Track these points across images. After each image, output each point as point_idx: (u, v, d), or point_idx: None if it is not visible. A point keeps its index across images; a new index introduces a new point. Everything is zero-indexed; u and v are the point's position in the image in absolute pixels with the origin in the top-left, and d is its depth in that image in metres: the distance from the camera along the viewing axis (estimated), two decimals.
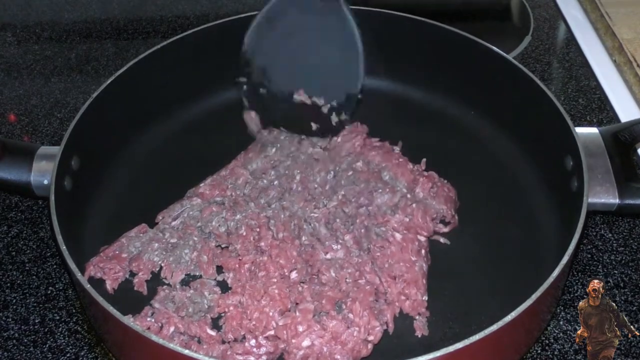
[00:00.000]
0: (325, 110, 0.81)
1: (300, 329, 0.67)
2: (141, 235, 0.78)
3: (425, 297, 0.72)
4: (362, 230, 0.77)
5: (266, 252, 0.75)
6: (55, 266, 0.82)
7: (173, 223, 0.79)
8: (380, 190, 0.80)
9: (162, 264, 0.76)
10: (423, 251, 0.76)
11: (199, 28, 0.95)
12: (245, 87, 0.82)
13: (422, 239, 0.77)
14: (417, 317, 0.71)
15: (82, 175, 0.80)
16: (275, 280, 0.72)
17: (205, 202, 0.81)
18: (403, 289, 0.72)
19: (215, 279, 0.75)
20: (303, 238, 0.76)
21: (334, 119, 0.83)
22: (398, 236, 0.76)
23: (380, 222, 0.77)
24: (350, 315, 0.68)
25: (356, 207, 0.79)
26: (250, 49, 0.79)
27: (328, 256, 0.74)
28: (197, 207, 0.80)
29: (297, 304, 0.71)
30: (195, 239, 0.77)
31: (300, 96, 0.80)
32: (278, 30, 0.76)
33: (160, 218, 0.80)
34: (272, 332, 0.69)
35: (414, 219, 0.78)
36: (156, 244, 0.77)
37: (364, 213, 0.78)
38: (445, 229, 0.80)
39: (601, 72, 1.09)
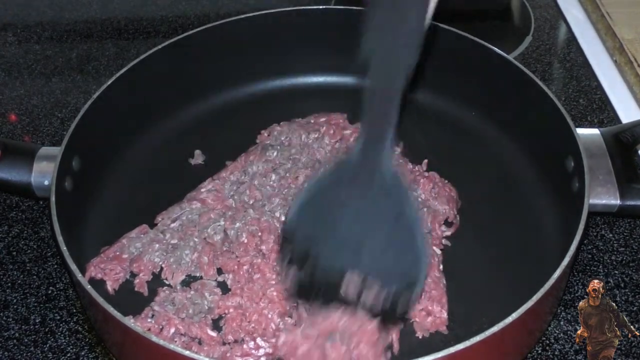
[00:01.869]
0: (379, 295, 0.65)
1: (300, 350, 0.66)
2: (142, 236, 0.78)
3: (446, 315, 0.71)
4: None
5: (266, 255, 0.75)
6: (55, 266, 0.82)
7: (172, 225, 0.79)
8: None
9: (163, 265, 0.76)
10: (441, 266, 0.75)
11: (200, 28, 0.94)
12: (286, 266, 0.66)
13: (438, 251, 0.76)
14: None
15: (82, 176, 0.80)
16: (274, 282, 0.72)
17: (204, 207, 0.80)
18: (426, 305, 0.71)
19: (215, 280, 0.75)
20: None
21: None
22: None
23: None
24: (355, 353, 0.66)
25: None
26: (292, 225, 0.64)
27: None
28: (197, 212, 0.80)
29: (295, 306, 0.70)
30: (196, 239, 0.77)
31: (350, 281, 0.63)
32: (324, 206, 0.63)
33: (160, 219, 0.80)
34: (272, 340, 0.68)
35: (424, 224, 0.77)
36: (157, 245, 0.77)
37: None
38: (449, 232, 0.80)
39: (602, 73, 1.09)
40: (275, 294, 0.71)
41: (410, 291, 0.63)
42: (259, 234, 0.77)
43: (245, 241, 0.76)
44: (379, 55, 0.53)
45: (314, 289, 0.62)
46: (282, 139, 0.89)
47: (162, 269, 0.76)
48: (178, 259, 0.76)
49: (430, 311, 0.71)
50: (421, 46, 0.53)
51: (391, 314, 0.63)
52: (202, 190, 0.83)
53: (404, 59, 0.53)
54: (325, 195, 0.62)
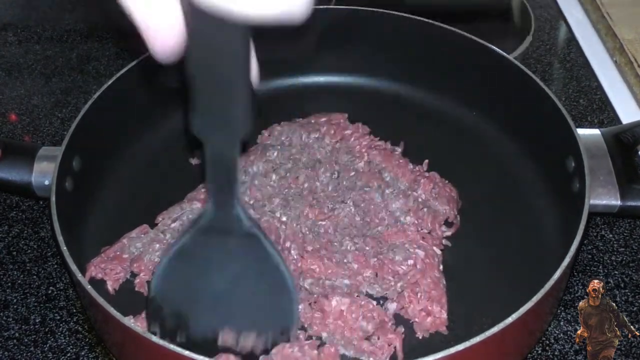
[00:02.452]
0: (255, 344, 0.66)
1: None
2: (142, 236, 0.78)
3: (446, 315, 0.71)
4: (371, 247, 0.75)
5: None
6: (55, 266, 0.82)
7: (173, 225, 0.79)
8: (392, 193, 0.80)
9: None
10: (441, 266, 0.75)
11: None
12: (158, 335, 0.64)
13: (439, 251, 0.76)
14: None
15: (83, 175, 0.80)
16: None
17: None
18: (426, 305, 0.71)
19: None
20: (309, 248, 0.75)
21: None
22: (420, 253, 0.75)
23: (395, 237, 0.76)
24: None
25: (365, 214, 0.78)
26: (158, 294, 0.63)
27: (337, 282, 0.73)
28: (197, 212, 0.80)
29: None
30: None
31: (225, 337, 0.63)
32: (189, 270, 0.62)
33: (160, 219, 0.80)
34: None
35: (424, 224, 0.77)
36: (157, 245, 0.77)
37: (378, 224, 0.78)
38: (449, 232, 0.80)
39: (602, 73, 1.09)
40: None
41: (287, 328, 0.64)
42: None
43: None
44: (209, 132, 0.53)
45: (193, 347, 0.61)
46: (283, 138, 0.88)
47: None
48: None
49: (430, 311, 0.71)
50: (252, 115, 0.53)
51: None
52: (203, 190, 0.83)
53: (235, 131, 0.53)
54: (187, 260, 0.62)
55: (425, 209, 0.79)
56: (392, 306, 0.72)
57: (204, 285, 0.62)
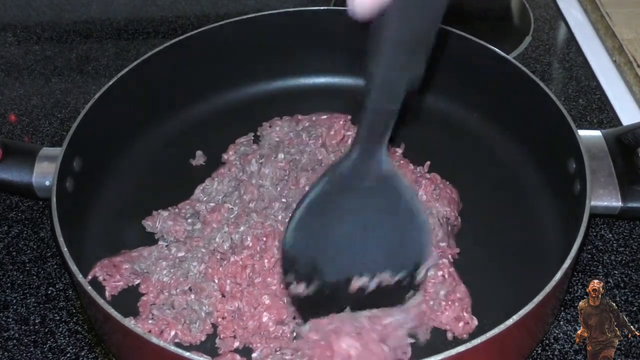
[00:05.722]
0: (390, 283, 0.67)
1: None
2: (146, 255, 0.77)
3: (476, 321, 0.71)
4: None
5: (268, 260, 0.74)
6: (55, 266, 0.82)
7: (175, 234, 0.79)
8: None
9: (171, 282, 0.74)
10: (452, 268, 0.75)
11: (201, 29, 0.94)
12: (291, 288, 0.66)
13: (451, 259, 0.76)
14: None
15: (83, 176, 0.80)
16: (275, 287, 0.72)
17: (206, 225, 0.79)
18: (459, 313, 0.71)
19: (215, 281, 0.75)
20: None
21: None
22: (445, 260, 0.75)
23: None
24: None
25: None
26: (293, 246, 0.64)
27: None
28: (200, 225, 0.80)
29: (294, 317, 0.70)
30: (204, 250, 0.76)
31: (359, 282, 0.65)
32: (323, 219, 0.63)
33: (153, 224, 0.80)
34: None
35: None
36: (164, 262, 0.75)
37: None
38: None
39: (601, 73, 1.09)
40: (267, 302, 0.70)
41: (419, 262, 0.66)
42: (264, 238, 0.76)
43: (250, 244, 0.76)
44: (381, 78, 0.54)
45: (323, 304, 0.63)
46: (282, 136, 0.88)
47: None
48: (185, 272, 0.75)
49: (462, 318, 0.71)
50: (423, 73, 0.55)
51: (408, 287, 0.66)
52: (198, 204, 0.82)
53: (409, 84, 0.55)
54: (321, 207, 0.63)
55: (426, 211, 0.79)
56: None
57: (339, 231, 0.63)
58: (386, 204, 0.62)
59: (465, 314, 0.71)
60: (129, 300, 0.74)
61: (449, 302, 0.71)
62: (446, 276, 0.73)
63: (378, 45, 0.52)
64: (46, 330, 0.76)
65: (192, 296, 0.73)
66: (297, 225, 0.63)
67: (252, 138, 0.90)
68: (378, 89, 0.55)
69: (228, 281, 0.73)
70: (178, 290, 0.73)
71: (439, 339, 0.70)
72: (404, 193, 0.62)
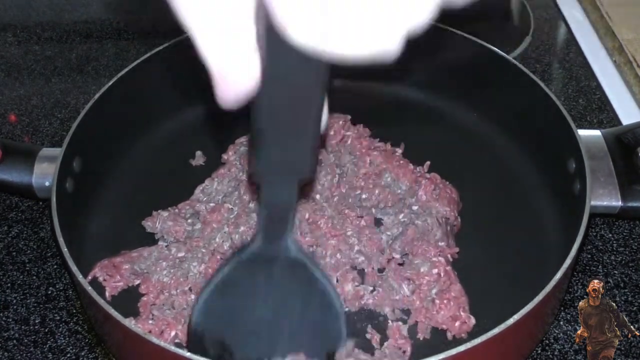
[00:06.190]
0: None
1: None
2: (146, 255, 0.77)
3: (474, 320, 0.71)
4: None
5: None
6: (55, 266, 0.82)
7: (177, 235, 0.79)
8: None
9: (171, 282, 0.74)
10: (449, 266, 0.75)
11: None
12: None
13: (450, 258, 0.76)
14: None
15: (83, 176, 0.80)
16: None
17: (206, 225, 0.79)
18: (455, 312, 0.71)
19: None
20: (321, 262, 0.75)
21: None
22: (443, 260, 0.74)
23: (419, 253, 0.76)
24: None
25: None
26: (201, 323, 0.62)
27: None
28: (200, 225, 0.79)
29: None
30: (204, 250, 0.76)
31: None
32: (231, 300, 0.61)
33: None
34: None
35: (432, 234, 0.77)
36: (164, 263, 0.75)
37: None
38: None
39: (601, 73, 1.09)
40: None
41: (334, 347, 0.63)
42: None
43: None
44: (269, 174, 0.52)
45: None
46: None
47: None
48: (185, 272, 0.74)
49: (458, 317, 0.71)
50: (314, 161, 0.52)
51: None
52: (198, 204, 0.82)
53: (298, 173, 0.52)
54: (230, 288, 0.61)
55: (425, 211, 0.79)
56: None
57: (248, 313, 0.61)
58: (298, 289, 0.60)
59: (462, 312, 0.70)
60: (129, 300, 0.74)
61: (444, 301, 0.71)
62: (442, 274, 0.73)
63: (252, 137, 0.49)
64: (46, 330, 0.76)
65: (192, 296, 0.73)
66: (204, 305, 0.61)
67: None
68: (264, 184, 0.52)
69: None
70: (178, 291, 0.73)
71: (439, 339, 0.70)
72: (317, 280, 0.60)
